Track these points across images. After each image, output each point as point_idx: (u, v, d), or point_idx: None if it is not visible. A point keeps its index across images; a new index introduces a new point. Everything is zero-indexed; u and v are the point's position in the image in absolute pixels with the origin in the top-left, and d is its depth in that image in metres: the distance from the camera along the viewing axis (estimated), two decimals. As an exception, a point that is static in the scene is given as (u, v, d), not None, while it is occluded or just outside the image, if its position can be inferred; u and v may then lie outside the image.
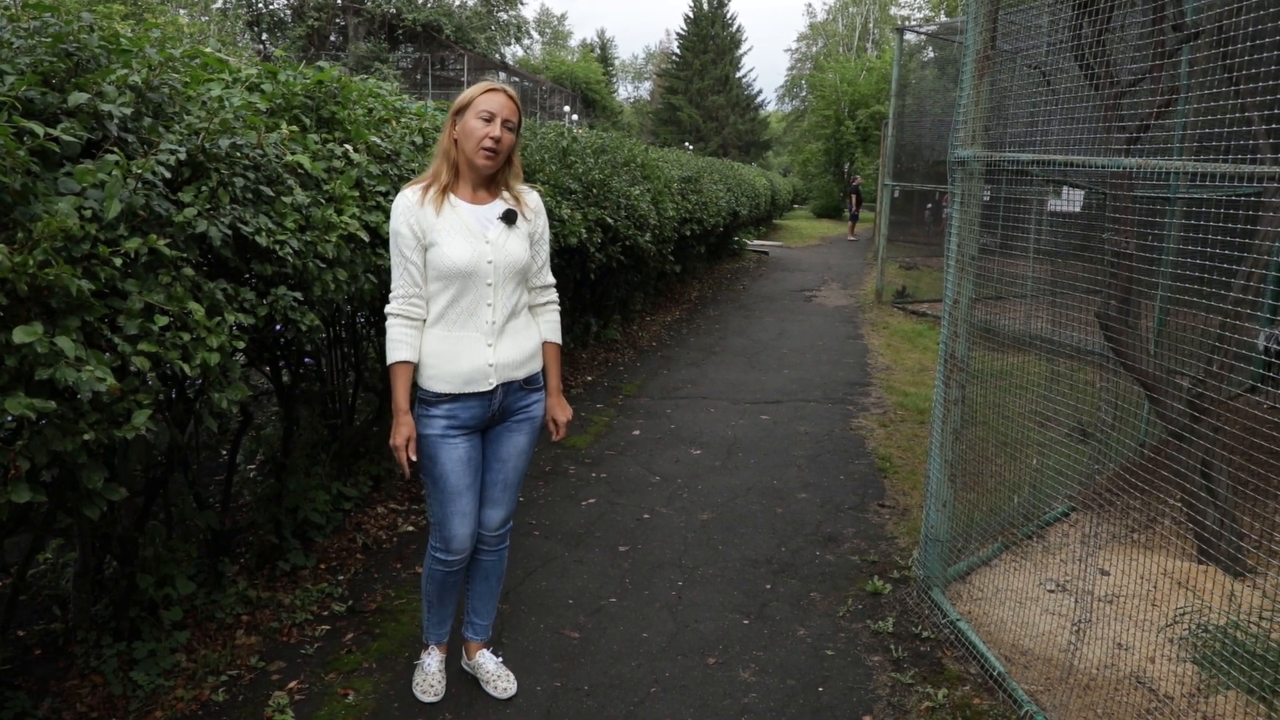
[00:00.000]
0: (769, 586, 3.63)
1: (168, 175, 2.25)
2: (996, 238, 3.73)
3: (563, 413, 2.78)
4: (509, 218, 2.56)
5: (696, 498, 4.60)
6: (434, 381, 2.54)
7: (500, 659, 2.96)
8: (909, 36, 14.01)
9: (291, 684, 2.88)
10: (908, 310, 11.41)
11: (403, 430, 2.51)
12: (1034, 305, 3.63)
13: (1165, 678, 2.79)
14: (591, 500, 4.53)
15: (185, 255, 2.28)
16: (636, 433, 5.72)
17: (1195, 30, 3.39)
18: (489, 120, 2.45)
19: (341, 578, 3.59)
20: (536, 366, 2.70)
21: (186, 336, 2.20)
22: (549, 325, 2.75)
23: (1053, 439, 3.25)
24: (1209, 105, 3.28)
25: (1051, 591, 3.42)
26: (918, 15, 41.63)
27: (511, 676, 2.89)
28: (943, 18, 34.04)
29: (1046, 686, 2.82)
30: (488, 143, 2.45)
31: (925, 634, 3.24)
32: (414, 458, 2.54)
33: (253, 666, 2.95)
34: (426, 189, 2.52)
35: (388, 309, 2.56)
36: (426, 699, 2.81)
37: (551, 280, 2.77)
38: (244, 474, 4.08)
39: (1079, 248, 4.17)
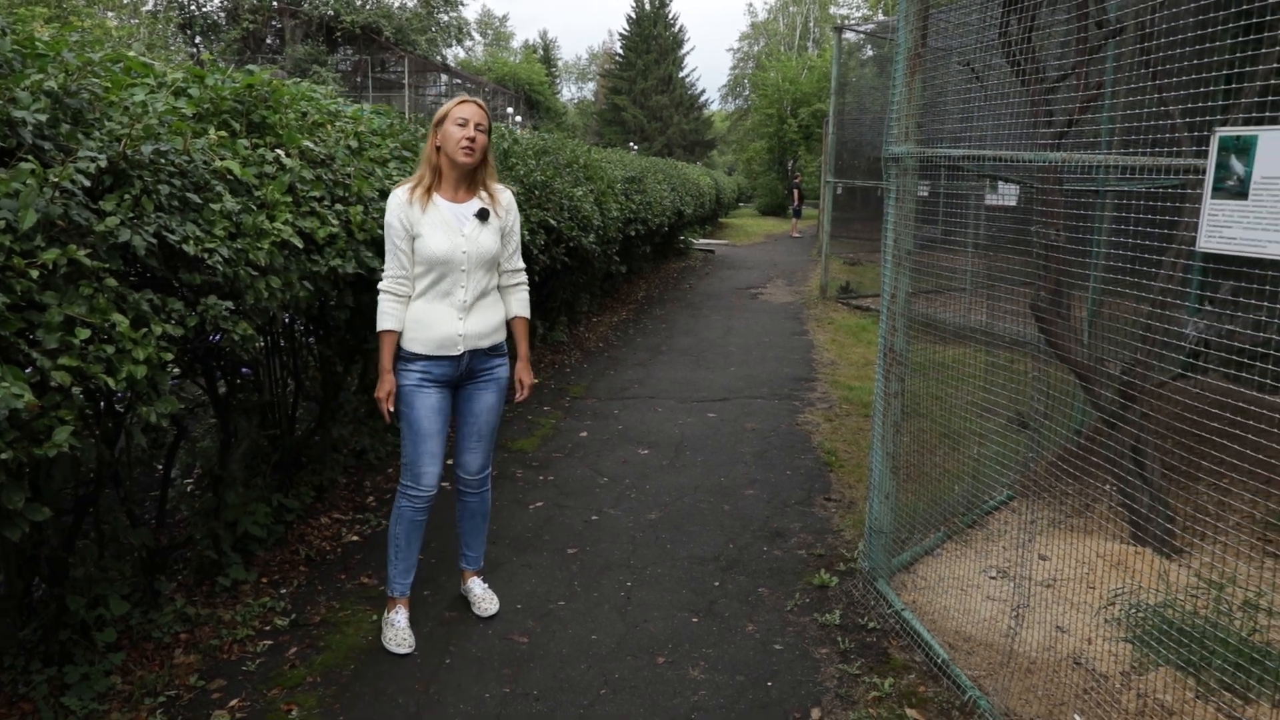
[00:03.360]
0: (718, 584, 3.65)
1: (87, 183, 2.18)
2: (937, 232, 3.80)
3: (528, 376, 3.29)
4: (483, 215, 3.07)
5: (644, 498, 4.60)
6: (413, 343, 3.05)
7: (487, 584, 3.49)
8: (848, 35, 14.19)
9: (233, 702, 2.81)
10: (852, 305, 11.55)
11: (385, 385, 3.06)
12: (973, 298, 3.70)
13: (1102, 657, 2.86)
14: (539, 504, 4.51)
15: (107, 266, 2.21)
16: (584, 434, 5.71)
17: (1118, 26, 3.48)
18: (464, 125, 2.98)
19: (284, 591, 3.52)
20: (500, 337, 3.19)
21: (110, 349, 2.14)
22: (518, 302, 3.26)
23: (991, 428, 3.31)
24: (1133, 100, 3.37)
25: (993, 578, 3.49)
26: (856, 14, 42.20)
27: (495, 599, 3.42)
28: (881, 16, 34.52)
29: (989, 671, 2.87)
30: (464, 142, 2.97)
31: (871, 625, 3.28)
32: (392, 408, 3.07)
33: (192, 686, 2.88)
34: (414, 189, 3.03)
35: (380, 285, 3.09)
36: (401, 650, 3.13)
37: (521, 265, 3.26)
38: (180, 488, 3.97)
39: (1015, 241, 4.25)
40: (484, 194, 3.11)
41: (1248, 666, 2.50)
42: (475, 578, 3.48)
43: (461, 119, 2.97)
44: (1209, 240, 1.83)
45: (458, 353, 3.06)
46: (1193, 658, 2.58)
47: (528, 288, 3.30)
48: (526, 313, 3.29)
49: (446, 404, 3.14)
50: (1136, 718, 2.55)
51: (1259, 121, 2.02)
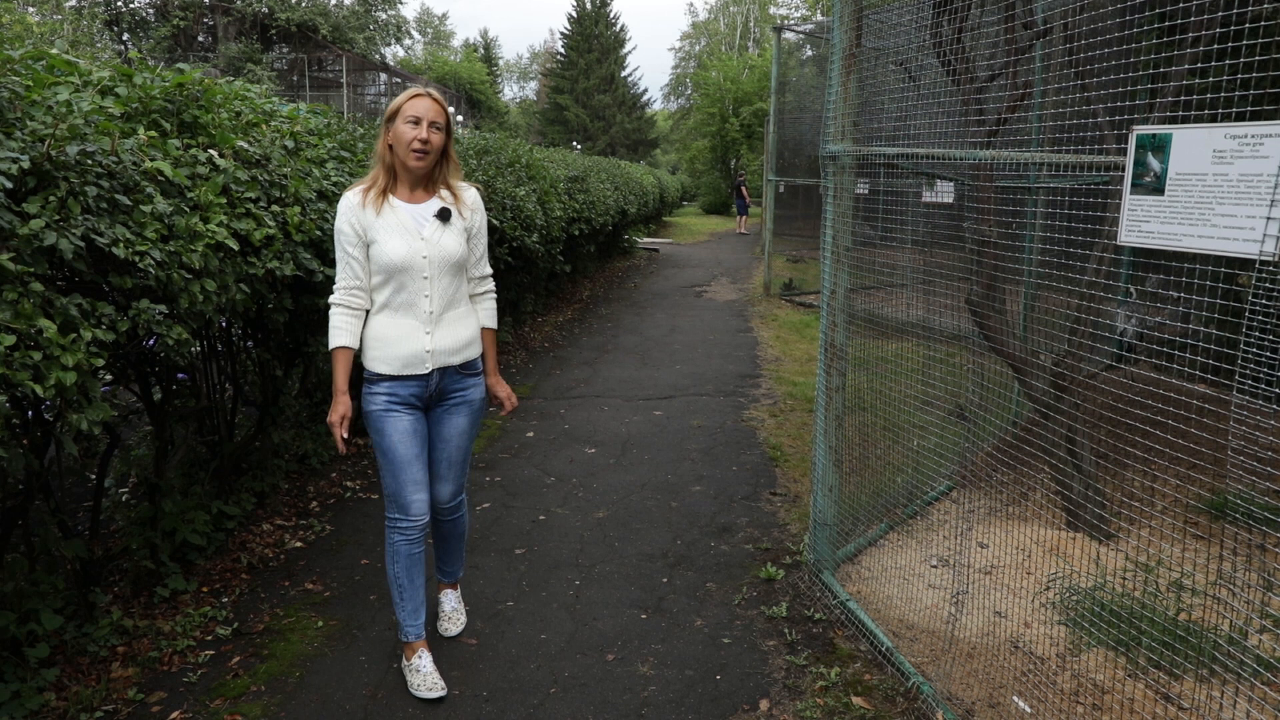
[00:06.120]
0: (666, 580, 3.67)
1: (9, 185, 2.11)
2: (878, 229, 3.86)
3: (502, 389, 3.04)
4: (444, 215, 2.78)
5: (592, 496, 4.60)
6: (376, 363, 2.76)
7: (459, 598, 3.34)
8: (787, 35, 14.37)
9: (174, 714, 2.75)
10: (795, 302, 11.69)
11: (338, 408, 2.73)
12: (912, 293, 3.77)
13: (1039, 641, 2.94)
14: (486, 505, 4.49)
15: (33, 270, 2.15)
16: (530, 434, 5.69)
17: (1045, 27, 3.58)
18: (416, 124, 2.68)
19: (226, 600, 3.45)
20: (473, 353, 2.91)
21: (37, 356, 2.08)
22: (486, 312, 3.00)
23: (931, 421, 3.39)
24: (1061, 98, 3.47)
25: (934, 567, 3.57)
26: (796, 14, 42.62)
27: (461, 620, 3.27)
28: (819, 17, 34.91)
29: (932, 658, 2.94)
30: (416, 144, 2.67)
31: (817, 616, 3.33)
32: (346, 435, 2.74)
33: (131, 700, 2.81)
34: (367, 191, 2.75)
35: (331, 299, 2.78)
36: (435, 695, 2.84)
37: (489, 271, 3.00)
38: (115, 498, 3.87)
39: (952, 237, 4.35)
40: (445, 193, 2.81)
41: (1174, 645, 2.60)
42: (449, 590, 3.32)
43: (413, 117, 2.66)
44: (1129, 234, 1.90)
45: (425, 371, 2.77)
46: (1124, 638, 2.67)
47: (495, 296, 3.04)
48: (494, 324, 3.02)
49: (421, 425, 2.84)
50: (1072, 698, 2.63)
51: (1177, 120, 2.10)
